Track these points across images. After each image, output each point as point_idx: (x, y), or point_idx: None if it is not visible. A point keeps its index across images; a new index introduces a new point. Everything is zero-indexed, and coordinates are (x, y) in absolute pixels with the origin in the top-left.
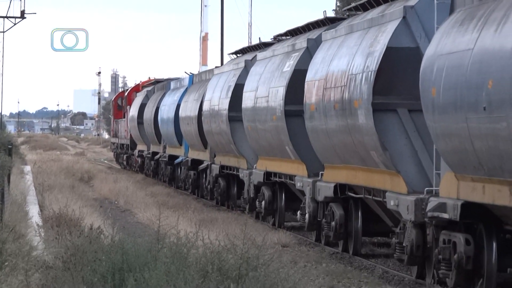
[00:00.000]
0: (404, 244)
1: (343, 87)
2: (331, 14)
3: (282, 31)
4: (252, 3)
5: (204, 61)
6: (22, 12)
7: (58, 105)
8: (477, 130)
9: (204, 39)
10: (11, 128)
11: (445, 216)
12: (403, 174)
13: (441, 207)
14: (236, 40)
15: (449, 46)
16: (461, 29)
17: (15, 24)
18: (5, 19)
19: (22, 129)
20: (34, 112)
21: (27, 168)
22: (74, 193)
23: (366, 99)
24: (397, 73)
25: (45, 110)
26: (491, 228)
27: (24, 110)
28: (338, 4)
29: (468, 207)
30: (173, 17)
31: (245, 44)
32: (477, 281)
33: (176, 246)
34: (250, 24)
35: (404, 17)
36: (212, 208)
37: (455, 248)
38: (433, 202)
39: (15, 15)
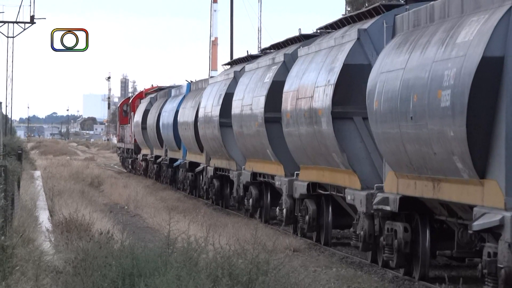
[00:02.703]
0: (357, 233)
1: (310, 97)
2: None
3: (290, 35)
4: (262, 8)
5: (214, 66)
6: (32, 17)
7: (68, 110)
8: (407, 136)
9: (214, 44)
10: (21, 133)
11: (387, 208)
12: (358, 173)
13: (384, 200)
14: (246, 45)
15: (388, 65)
16: (398, 51)
17: (24, 29)
18: (15, 24)
19: (32, 134)
20: (44, 117)
21: (37, 173)
22: (84, 198)
23: (327, 108)
24: (353, 86)
25: (55, 115)
26: (425, 218)
27: (34, 115)
28: (348, 9)
29: (405, 200)
30: (183, 22)
31: (254, 47)
32: (415, 262)
33: (186, 251)
34: (259, 29)
35: (358, 39)
36: (222, 212)
37: (396, 235)
38: (378, 196)
39: (24, 20)
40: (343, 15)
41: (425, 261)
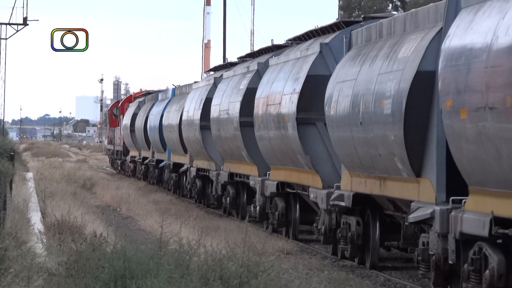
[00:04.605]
0: (319, 227)
1: (279, 104)
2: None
3: (283, 38)
4: (254, 10)
5: (206, 69)
6: (25, 19)
7: (60, 112)
8: (358, 139)
9: (207, 47)
10: (13, 135)
11: (343, 204)
12: (320, 173)
13: (340, 197)
14: (239, 47)
15: (343, 76)
16: (352, 63)
17: (17, 31)
18: (8, 26)
19: (24, 136)
20: (36, 119)
21: (29, 175)
22: (76, 200)
23: (292, 114)
24: (316, 95)
25: (47, 117)
26: (375, 213)
27: (27, 117)
28: (341, 12)
29: (358, 197)
30: (176, 24)
31: (247, 50)
32: (366, 252)
33: (178, 253)
34: (252, 32)
35: (320, 52)
36: (215, 215)
37: (350, 228)
38: (335, 193)
39: (17, 22)
40: (336, 19)
41: (375, 252)
